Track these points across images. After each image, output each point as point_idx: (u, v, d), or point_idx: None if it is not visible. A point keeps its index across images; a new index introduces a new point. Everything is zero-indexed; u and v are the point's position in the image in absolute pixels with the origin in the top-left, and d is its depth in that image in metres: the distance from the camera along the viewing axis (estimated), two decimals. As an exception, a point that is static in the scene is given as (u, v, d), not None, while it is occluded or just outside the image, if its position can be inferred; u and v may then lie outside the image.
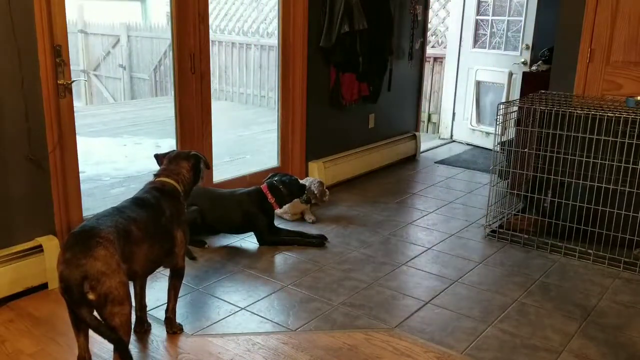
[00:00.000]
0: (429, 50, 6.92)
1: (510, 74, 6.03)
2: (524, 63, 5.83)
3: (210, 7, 3.91)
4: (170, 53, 3.88)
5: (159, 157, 2.73)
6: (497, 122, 3.80)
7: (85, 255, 2.01)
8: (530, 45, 5.83)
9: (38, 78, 2.93)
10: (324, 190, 4.23)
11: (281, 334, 2.72)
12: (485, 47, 6.40)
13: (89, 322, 2.04)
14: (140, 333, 2.66)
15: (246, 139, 7.48)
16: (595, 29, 3.98)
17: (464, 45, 6.53)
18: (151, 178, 2.63)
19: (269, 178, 3.87)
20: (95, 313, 2.06)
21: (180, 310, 2.77)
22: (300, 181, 3.99)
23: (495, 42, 6.29)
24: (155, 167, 2.73)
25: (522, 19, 5.92)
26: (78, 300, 2.00)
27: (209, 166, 2.96)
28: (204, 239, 3.70)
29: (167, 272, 2.66)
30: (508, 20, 6.09)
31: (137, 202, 2.43)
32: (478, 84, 6.47)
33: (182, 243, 2.58)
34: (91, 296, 2.00)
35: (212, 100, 4.02)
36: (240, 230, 3.76)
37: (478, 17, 6.39)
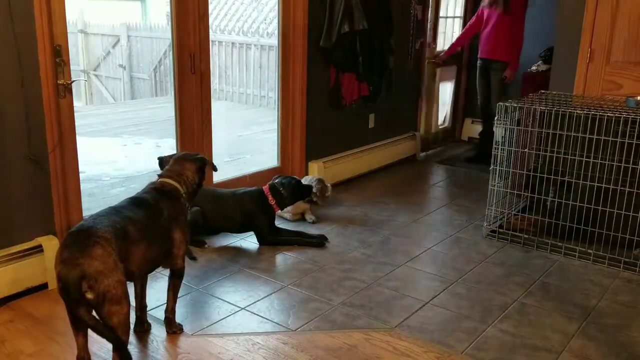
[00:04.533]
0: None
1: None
2: None
3: (210, 7, 3.91)
4: (170, 53, 3.88)
5: (162, 160, 2.75)
6: (497, 122, 3.80)
7: (82, 254, 2.01)
8: None
9: (38, 78, 2.93)
10: (325, 187, 4.22)
11: (281, 334, 2.72)
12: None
13: (88, 321, 2.04)
14: (140, 333, 2.67)
15: (246, 139, 7.48)
16: (595, 29, 3.98)
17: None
18: (154, 178, 2.64)
19: (273, 180, 3.87)
20: (94, 312, 2.07)
21: (180, 310, 2.77)
22: (307, 185, 3.98)
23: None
24: (157, 167, 2.74)
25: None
26: (76, 299, 2.01)
27: (216, 168, 3.04)
28: (204, 239, 3.70)
29: (167, 272, 2.66)
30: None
31: (135, 202, 2.43)
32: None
33: (182, 244, 2.57)
34: (89, 295, 2.00)
35: (212, 100, 4.02)
36: (240, 230, 3.76)
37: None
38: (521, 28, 5.39)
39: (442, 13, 6.14)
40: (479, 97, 5.76)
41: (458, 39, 5.94)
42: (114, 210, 2.31)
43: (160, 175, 2.63)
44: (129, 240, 2.24)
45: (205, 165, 2.72)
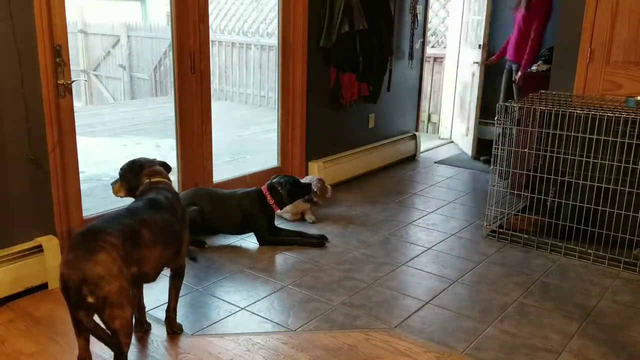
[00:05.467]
0: (429, 50, 6.91)
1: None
2: None
3: (210, 7, 3.91)
4: (170, 53, 3.88)
5: (138, 167, 2.63)
6: (497, 122, 3.80)
7: (86, 258, 2.01)
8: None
9: (38, 78, 2.93)
10: (325, 187, 4.22)
11: (281, 334, 2.72)
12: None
13: (86, 324, 2.04)
14: (140, 333, 2.66)
15: (246, 139, 7.48)
16: (595, 29, 3.98)
17: (464, 45, 6.52)
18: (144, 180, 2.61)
19: (271, 179, 3.87)
20: (96, 316, 2.07)
21: (180, 310, 2.77)
22: (306, 183, 3.98)
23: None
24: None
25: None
26: (76, 302, 2.01)
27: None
28: (204, 239, 3.70)
29: (166, 271, 2.65)
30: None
31: (150, 203, 2.41)
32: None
33: (187, 243, 2.61)
34: (90, 299, 2.00)
35: (212, 100, 4.02)
36: (240, 230, 3.76)
37: (479, 17, 6.38)
38: (538, 29, 5.32)
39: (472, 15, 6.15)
40: (501, 97, 5.79)
41: (505, 43, 5.85)
42: (129, 213, 2.30)
43: (151, 175, 2.59)
44: (140, 243, 2.23)
45: (168, 167, 2.73)
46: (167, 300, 2.67)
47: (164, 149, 6.44)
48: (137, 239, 2.22)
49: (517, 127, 3.88)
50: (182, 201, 3.51)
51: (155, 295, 2.97)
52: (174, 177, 2.80)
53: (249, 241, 3.78)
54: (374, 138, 5.44)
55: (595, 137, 3.50)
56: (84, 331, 2.16)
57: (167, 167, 2.71)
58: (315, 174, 4.63)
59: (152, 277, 2.43)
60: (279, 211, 3.86)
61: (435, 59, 7.36)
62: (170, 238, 2.41)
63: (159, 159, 2.75)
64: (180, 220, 2.51)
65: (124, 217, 2.25)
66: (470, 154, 6.10)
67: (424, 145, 6.27)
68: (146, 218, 2.30)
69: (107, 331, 2.07)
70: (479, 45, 5.86)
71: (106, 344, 2.08)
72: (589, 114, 3.53)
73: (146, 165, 2.64)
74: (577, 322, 2.88)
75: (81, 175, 3.33)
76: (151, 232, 2.29)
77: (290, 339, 2.68)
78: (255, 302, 3.00)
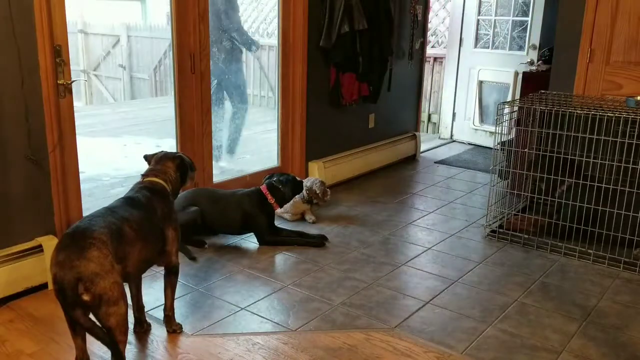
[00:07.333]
0: (429, 50, 6.91)
1: (517, 74, 6.03)
2: (531, 63, 5.84)
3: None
4: (170, 53, 3.88)
5: (148, 158, 2.75)
6: (498, 122, 3.80)
7: (78, 256, 2.01)
8: (537, 45, 5.83)
9: (38, 78, 2.93)
10: (326, 190, 4.23)
11: (281, 334, 2.72)
12: (488, 47, 6.39)
13: (84, 323, 2.04)
14: (139, 333, 2.67)
15: (246, 139, 7.47)
16: (595, 29, 3.98)
17: (464, 45, 6.53)
18: (139, 178, 2.63)
19: (267, 179, 3.86)
20: (91, 315, 2.07)
21: (180, 310, 2.77)
22: (300, 180, 3.99)
23: (499, 42, 6.29)
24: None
25: (529, 18, 5.94)
26: (72, 301, 2.00)
27: (194, 169, 2.86)
28: (204, 239, 3.70)
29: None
30: (513, 20, 6.10)
31: (128, 201, 2.42)
32: (481, 83, 6.47)
33: (174, 241, 2.58)
34: (85, 297, 2.00)
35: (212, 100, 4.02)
36: (240, 230, 3.76)
37: (480, 17, 6.38)
38: None
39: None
40: None
41: None
42: (109, 211, 2.31)
43: (144, 175, 2.62)
44: (125, 241, 2.23)
45: (183, 162, 2.71)
46: (164, 299, 2.67)
47: (164, 149, 6.41)
48: (121, 236, 2.22)
49: (517, 127, 3.88)
50: (182, 201, 3.53)
51: (155, 295, 2.97)
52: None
53: (249, 241, 3.78)
54: (374, 138, 5.44)
55: (595, 137, 3.50)
56: (80, 331, 2.16)
57: (167, 163, 2.68)
58: (315, 173, 4.64)
59: (133, 276, 2.43)
60: (279, 211, 3.87)
61: (435, 59, 7.36)
62: (149, 235, 2.40)
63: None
64: (163, 218, 2.49)
65: (107, 216, 2.25)
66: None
67: (424, 145, 6.27)
68: (127, 216, 2.31)
69: (104, 329, 2.07)
70: (532, 46, 5.90)
71: (103, 342, 2.08)
72: (589, 114, 3.53)
73: (149, 162, 2.69)
74: (577, 322, 2.88)
75: (81, 175, 3.33)
76: (132, 229, 2.29)
77: (290, 339, 2.68)
78: (255, 302, 3.00)
